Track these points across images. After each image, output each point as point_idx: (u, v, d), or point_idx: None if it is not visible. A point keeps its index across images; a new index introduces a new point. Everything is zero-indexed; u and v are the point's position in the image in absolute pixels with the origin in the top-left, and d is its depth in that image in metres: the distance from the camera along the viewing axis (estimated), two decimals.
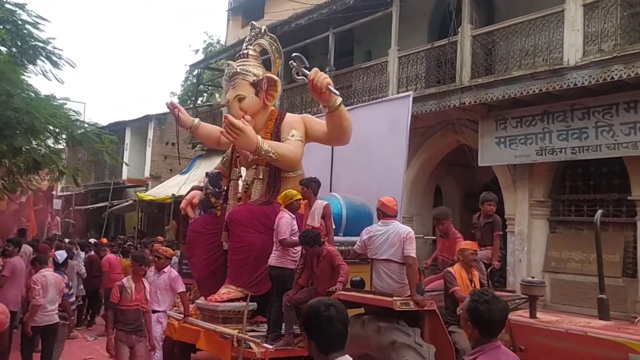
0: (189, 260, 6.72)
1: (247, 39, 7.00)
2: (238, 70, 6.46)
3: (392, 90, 10.25)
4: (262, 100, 6.41)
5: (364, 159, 6.99)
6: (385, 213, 5.10)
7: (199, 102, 20.58)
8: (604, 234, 8.66)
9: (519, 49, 8.71)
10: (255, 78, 6.39)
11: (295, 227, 5.67)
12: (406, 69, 10.27)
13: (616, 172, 8.62)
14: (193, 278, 6.84)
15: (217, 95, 26.77)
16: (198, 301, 6.21)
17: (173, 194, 14.25)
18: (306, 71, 5.67)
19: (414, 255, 4.80)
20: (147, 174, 20.27)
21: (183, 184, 14.97)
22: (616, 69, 7.40)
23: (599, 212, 5.14)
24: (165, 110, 24.91)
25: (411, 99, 7.22)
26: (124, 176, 20.79)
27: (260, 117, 6.43)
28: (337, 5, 11.33)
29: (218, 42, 29.12)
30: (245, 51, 6.73)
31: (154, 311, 5.98)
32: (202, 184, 7.06)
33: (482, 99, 8.94)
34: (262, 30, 6.93)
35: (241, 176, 6.68)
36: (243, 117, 5.94)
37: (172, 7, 59.15)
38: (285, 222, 5.56)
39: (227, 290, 5.87)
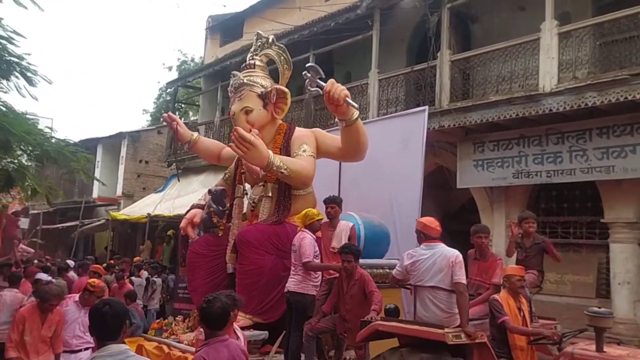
0: (190, 283, 6.25)
1: (252, 49, 6.63)
2: (245, 81, 6.06)
3: (373, 112, 10.38)
4: (270, 113, 6.04)
5: (375, 177, 6.67)
6: (428, 235, 4.61)
7: None
8: (577, 256, 8.95)
9: (496, 75, 8.97)
10: (263, 90, 6.02)
11: (318, 249, 5.33)
12: (386, 91, 10.44)
13: (589, 196, 8.88)
14: (192, 303, 6.37)
15: (190, 114, 26.62)
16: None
17: (148, 213, 13.96)
18: (322, 82, 5.29)
19: (464, 281, 4.36)
20: (119, 192, 19.85)
21: (158, 203, 14.71)
22: (590, 96, 7.69)
23: None
24: (139, 127, 24.96)
25: (427, 113, 6.96)
26: (95, 194, 20.30)
27: (268, 131, 6.06)
28: (317, 27, 11.49)
29: (192, 60, 29.08)
30: (252, 61, 6.34)
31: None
32: (203, 202, 6.64)
33: (461, 123, 9.13)
34: (270, 40, 6.52)
35: (246, 194, 6.29)
36: (250, 131, 5.56)
37: (145, 24, 58.87)
38: (309, 243, 5.18)
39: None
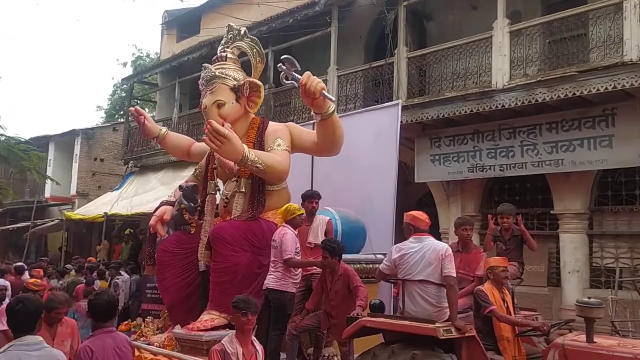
0: (159, 283, 6.00)
1: (223, 42, 6.45)
2: (217, 73, 5.87)
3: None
4: (243, 106, 5.88)
5: (348, 171, 6.58)
6: (418, 228, 4.49)
7: (129, 117, 19.92)
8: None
9: (451, 72, 9.19)
10: (235, 83, 5.86)
11: (299, 245, 5.20)
12: (345, 87, 10.53)
13: (539, 188, 9.23)
14: (161, 303, 6.15)
15: (147, 110, 26.05)
16: (176, 330, 5.40)
17: (105, 213, 13.61)
18: (297, 75, 5.17)
19: (454, 274, 4.25)
20: (73, 191, 19.28)
21: (115, 202, 14.37)
22: (540, 92, 7.99)
23: None
24: (94, 124, 24.28)
25: (400, 107, 6.93)
26: (47, 194, 19.65)
27: (241, 125, 5.88)
28: (276, 24, 11.47)
29: (148, 56, 28.47)
30: (224, 54, 6.15)
31: None
32: (173, 199, 6.38)
33: (418, 118, 9.32)
34: (242, 32, 6.34)
35: (219, 189, 6.11)
36: (223, 125, 5.35)
37: (99, 18, 57.09)
38: (291, 239, 5.05)
39: (210, 317, 5.20)
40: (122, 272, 9.97)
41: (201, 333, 5.03)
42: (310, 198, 5.72)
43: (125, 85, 19.34)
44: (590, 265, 8.57)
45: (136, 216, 13.99)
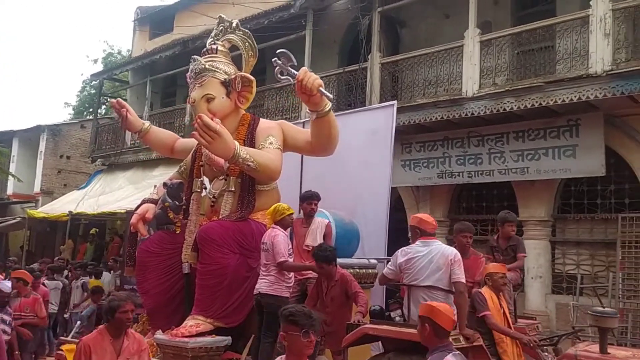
0: (139, 285, 5.68)
1: (213, 34, 6.18)
2: (207, 66, 5.57)
3: (304, 111, 10.45)
4: (234, 102, 5.61)
5: (339, 172, 6.39)
6: (425, 231, 4.30)
7: (98, 114, 19.52)
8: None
9: (423, 79, 9.33)
10: (226, 76, 5.58)
11: (291, 247, 4.99)
12: None
13: (505, 195, 9.43)
14: (142, 307, 5.80)
15: None
16: (159, 336, 5.05)
17: (70, 211, 13.27)
18: (293, 70, 4.92)
19: (464, 280, 4.08)
20: (37, 189, 18.72)
21: (81, 200, 14.04)
22: (508, 102, 8.18)
23: None
24: (61, 120, 23.68)
25: (395, 108, 6.81)
26: (10, 191, 19.05)
27: (231, 121, 5.59)
28: (251, 25, 11.39)
29: (119, 53, 28.00)
30: (214, 46, 5.84)
31: None
32: (155, 196, 6.07)
33: None
34: (234, 25, 6.07)
35: (205, 188, 5.81)
36: (212, 120, 5.09)
37: (69, 12, 55.83)
38: (283, 240, 4.80)
39: (195, 322, 4.88)
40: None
41: (186, 339, 4.72)
42: (310, 199, 5.52)
43: (94, 82, 19.03)
44: (552, 272, 8.80)
45: (102, 216, 13.71)
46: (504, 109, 8.23)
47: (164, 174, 13.46)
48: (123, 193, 13.67)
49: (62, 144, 19.51)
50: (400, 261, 4.26)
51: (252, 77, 5.66)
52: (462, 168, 9.15)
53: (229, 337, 4.91)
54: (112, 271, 10.73)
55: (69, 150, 19.68)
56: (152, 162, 14.24)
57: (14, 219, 16.96)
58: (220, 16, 6.27)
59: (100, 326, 3.87)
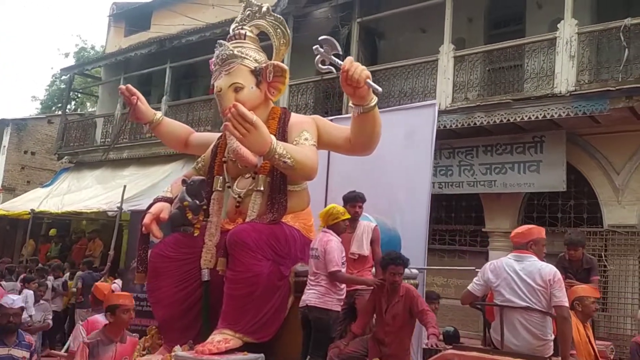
0: (152, 294, 5.03)
1: (238, 19, 5.56)
2: (235, 52, 4.96)
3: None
4: (264, 93, 5.01)
5: (373, 175, 5.89)
6: (518, 243, 3.91)
7: (67, 109, 19.14)
8: (461, 262, 9.76)
9: (398, 90, 9.57)
10: (257, 65, 4.98)
11: (345, 255, 4.48)
12: (296, 97, 10.70)
13: (473, 207, 9.73)
14: (151, 318, 5.26)
15: (88, 105, 25.11)
16: (180, 353, 4.36)
17: (32, 209, 12.83)
18: (337, 60, 4.39)
19: (567, 304, 3.61)
20: None
21: (44, 199, 13.63)
22: (478, 116, 8.49)
23: None
24: (26, 114, 23.05)
25: (436, 108, 6.39)
26: None
27: (260, 114, 4.87)
28: (230, 27, 11.46)
29: (92, 48, 27.50)
30: (242, 31, 5.21)
31: None
32: (169, 195, 5.42)
33: None
34: (264, 10, 5.47)
35: (229, 186, 5.19)
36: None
37: (39, 4, 54.39)
38: (336, 247, 4.28)
39: (223, 337, 4.26)
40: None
41: (216, 358, 4.08)
42: (354, 201, 4.98)
43: (65, 76, 18.59)
44: None
45: (67, 215, 13.36)
46: (475, 123, 8.52)
47: (135, 174, 13.33)
48: (90, 192, 13.36)
49: (27, 139, 19.02)
50: (489, 277, 3.81)
51: (285, 67, 5.07)
52: (433, 179, 9.33)
53: (262, 355, 4.38)
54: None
55: (34, 146, 19.19)
56: (123, 162, 14.04)
57: None
58: (247, 0, 5.65)
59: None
